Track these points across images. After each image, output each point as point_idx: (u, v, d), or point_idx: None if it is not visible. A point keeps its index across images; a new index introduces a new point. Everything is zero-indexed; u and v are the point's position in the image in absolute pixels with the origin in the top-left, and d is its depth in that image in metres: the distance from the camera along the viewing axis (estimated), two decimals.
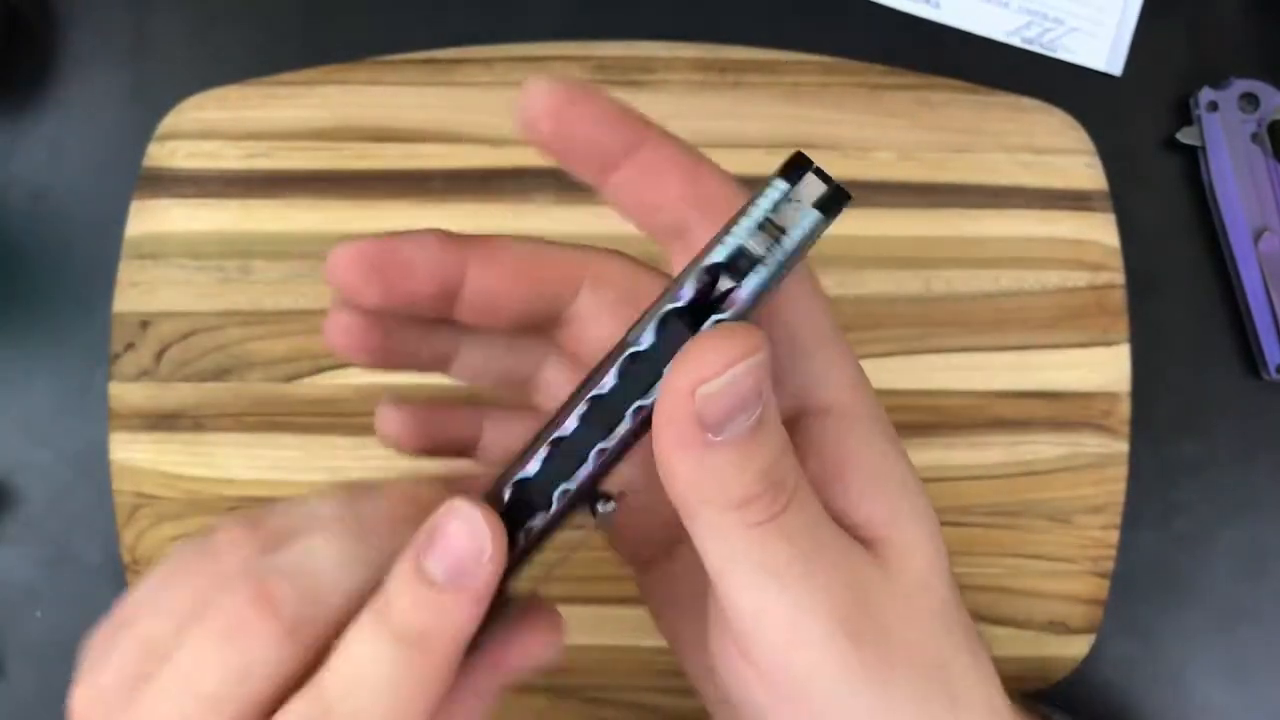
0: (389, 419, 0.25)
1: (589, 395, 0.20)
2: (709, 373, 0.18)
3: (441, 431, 0.26)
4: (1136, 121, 0.45)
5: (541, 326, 0.23)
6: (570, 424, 0.20)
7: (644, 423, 0.20)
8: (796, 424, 0.21)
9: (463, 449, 0.26)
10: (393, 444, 0.25)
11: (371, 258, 0.22)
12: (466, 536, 0.19)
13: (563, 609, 0.41)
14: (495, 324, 0.23)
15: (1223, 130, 0.44)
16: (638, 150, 0.21)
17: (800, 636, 0.19)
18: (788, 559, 0.19)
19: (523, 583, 0.22)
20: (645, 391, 0.20)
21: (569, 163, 0.22)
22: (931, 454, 0.41)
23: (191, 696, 0.19)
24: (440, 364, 0.25)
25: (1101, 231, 0.43)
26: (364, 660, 0.19)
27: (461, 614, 0.19)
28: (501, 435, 0.26)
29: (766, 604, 0.19)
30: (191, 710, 0.19)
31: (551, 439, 0.20)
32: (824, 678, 0.19)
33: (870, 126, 0.44)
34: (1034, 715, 0.26)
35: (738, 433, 0.18)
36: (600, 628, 0.40)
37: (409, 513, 0.21)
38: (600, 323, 0.23)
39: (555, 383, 0.25)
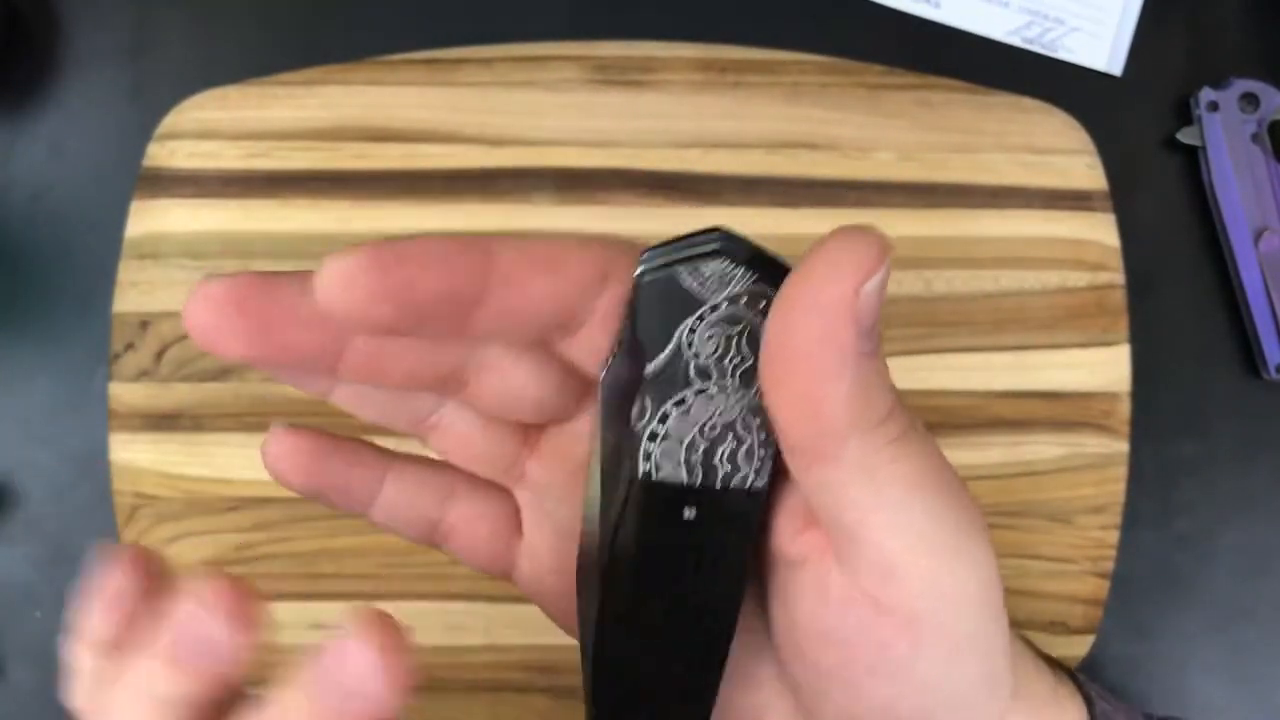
0: (280, 442, 0.22)
1: None
2: (870, 268, 0.16)
3: (339, 478, 0.23)
4: (1136, 121, 0.45)
5: (443, 384, 0.21)
6: None
7: None
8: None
9: (357, 504, 0.23)
10: (278, 475, 0.22)
11: (243, 299, 0.18)
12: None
13: None
14: (387, 380, 0.20)
15: (1223, 130, 0.44)
16: (490, 272, 0.18)
17: (952, 553, 0.19)
18: (927, 469, 0.19)
19: None
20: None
21: (425, 330, 0.18)
22: None
23: None
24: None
25: (1101, 231, 0.43)
26: None
27: None
28: (404, 494, 0.23)
29: (916, 525, 0.19)
30: None
31: None
32: (972, 600, 0.19)
33: (870, 127, 0.44)
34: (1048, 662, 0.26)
35: (876, 341, 0.17)
36: None
37: None
38: (511, 371, 0.20)
39: (457, 424, 0.22)
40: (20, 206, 0.44)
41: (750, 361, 0.19)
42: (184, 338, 0.42)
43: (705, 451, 0.19)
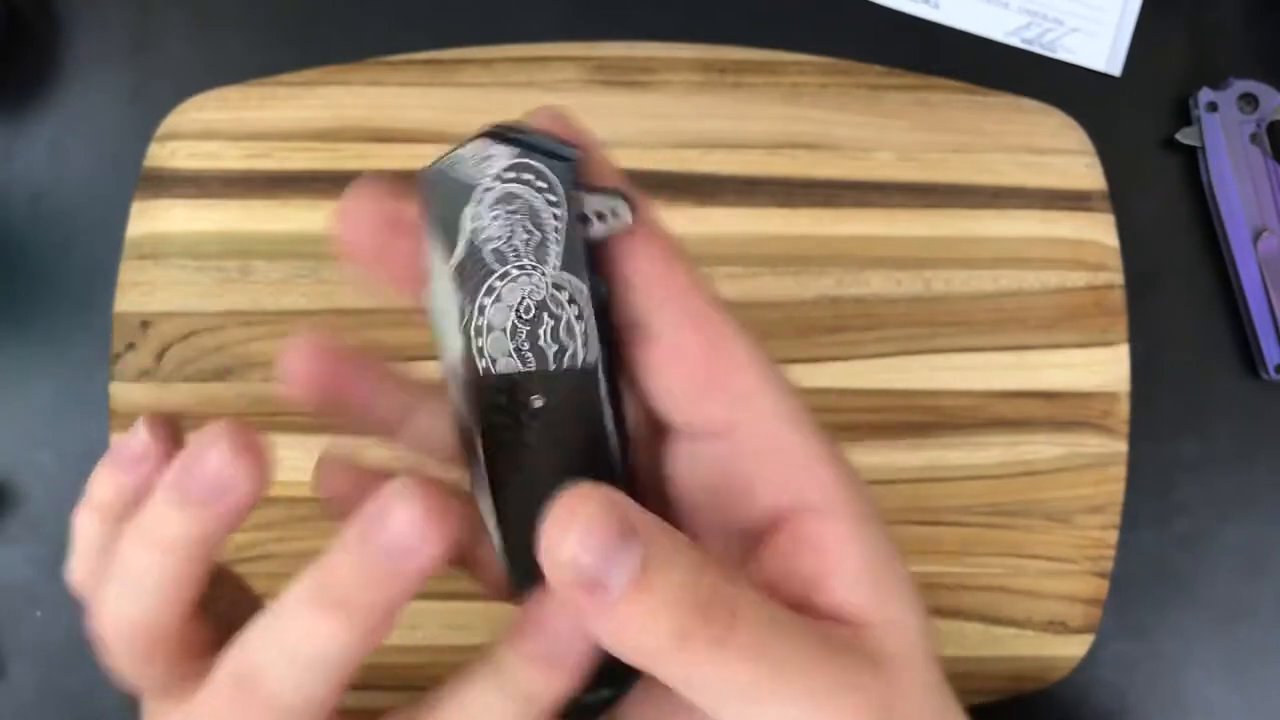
0: (300, 349, 0.22)
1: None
2: (554, 540, 0.18)
3: (364, 393, 0.23)
4: (1136, 121, 0.45)
5: None
6: None
7: None
8: (789, 524, 0.21)
9: (382, 424, 0.23)
10: (294, 382, 0.22)
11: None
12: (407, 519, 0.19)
13: None
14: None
15: (1222, 130, 0.44)
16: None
17: None
18: (753, 678, 0.18)
19: None
20: None
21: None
22: (931, 454, 0.41)
23: None
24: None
25: (1101, 231, 0.43)
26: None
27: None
28: (439, 422, 0.23)
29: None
30: None
31: None
32: None
33: (870, 127, 0.44)
34: None
35: (628, 579, 0.18)
36: None
37: None
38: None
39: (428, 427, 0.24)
40: (20, 206, 0.44)
41: (538, 236, 0.19)
42: (185, 337, 0.42)
43: (529, 335, 0.20)
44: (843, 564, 0.20)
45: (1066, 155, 0.44)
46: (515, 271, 0.19)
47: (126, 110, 0.45)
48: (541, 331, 0.20)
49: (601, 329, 0.20)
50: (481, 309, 0.20)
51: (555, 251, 0.19)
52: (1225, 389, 0.44)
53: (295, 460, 0.41)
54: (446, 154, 0.19)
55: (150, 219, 0.43)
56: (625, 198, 0.20)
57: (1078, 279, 0.43)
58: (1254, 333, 0.43)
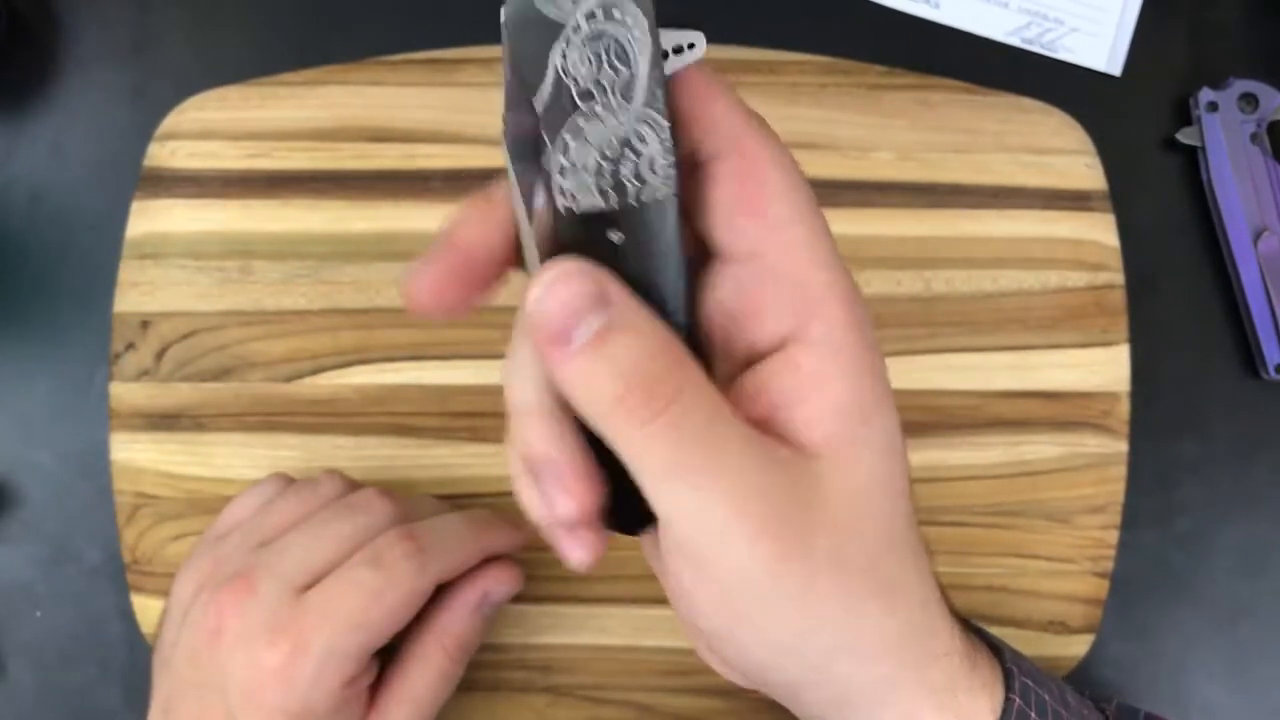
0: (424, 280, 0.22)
1: None
2: (534, 291, 0.20)
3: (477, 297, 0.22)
4: (1136, 121, 0.45)
5: None
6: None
7: None
8: (785, 350, 0.22)
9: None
10: (422, 304, 0.22)
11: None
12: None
13: (561, 609, 0.41)
14: None
15: (1222, 130, 0.44)
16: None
17: (714, 531, 0.20)
18: (674, 458, 0.20)
19: None
20: None
21: None
22: (931, 454, 0.41)
23: (349, 606, 0.30)
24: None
25: (1101, 231, 0.43)
26: None
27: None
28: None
29: (677, 503, 0.20)
30: (354, 611, 0.30)
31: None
32: (744, 572, 0.20)
33: (870, 127, 0.44)
34: (967, 627, 0.27)
35: (585, 337, 0.20)
36: (600, 627, 0.40)
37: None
38: None
39: None
40: (20, 206, 0.44)
41: (625, 74, 0.19)
42: (184, 337, 0.42)
43: (612, 173, 0.20)
44: (815, 393, 0.21)
45: (1066, 155, 0.44)
46: (601, 110, 0.20)
47: (126, 110, 0.45)
48: (624, 168, 0.20)
49: (676, 163, 0.20)
50: (565, 146, 0.20)
51: (641, 88, 0.19)
52: (1225, 389, 0.44)
53: (296, 460, 0.42)
54: None
55: (150, 219, 0.43)
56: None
57: (1078, 279, 0.43)
58: (1254, 333, 0.43)
